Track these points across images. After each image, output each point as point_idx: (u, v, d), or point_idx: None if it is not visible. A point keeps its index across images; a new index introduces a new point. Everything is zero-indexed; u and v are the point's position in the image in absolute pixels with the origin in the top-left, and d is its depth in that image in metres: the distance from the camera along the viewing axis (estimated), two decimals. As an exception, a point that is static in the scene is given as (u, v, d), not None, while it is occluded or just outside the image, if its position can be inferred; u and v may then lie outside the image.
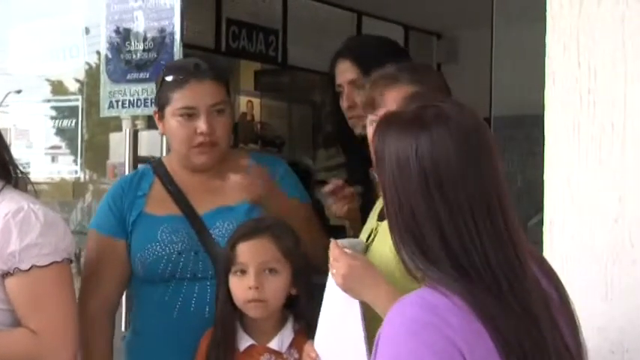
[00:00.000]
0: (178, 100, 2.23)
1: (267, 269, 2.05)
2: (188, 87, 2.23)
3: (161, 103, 2.28)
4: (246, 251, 2.06)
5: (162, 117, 2.29)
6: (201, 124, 2.20)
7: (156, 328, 2.22)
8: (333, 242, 1.77)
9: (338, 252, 1.73)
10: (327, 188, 2.28)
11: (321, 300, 1.84)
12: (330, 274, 1.77)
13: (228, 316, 2.06)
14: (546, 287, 1.35)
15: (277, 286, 2.06)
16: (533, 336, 1.24)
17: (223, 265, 2.08)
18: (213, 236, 2.21)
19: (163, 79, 2.28)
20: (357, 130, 2.42)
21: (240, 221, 2.19)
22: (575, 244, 1.80)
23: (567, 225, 1.81)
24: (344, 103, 2.48)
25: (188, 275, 2.20)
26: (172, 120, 2.24)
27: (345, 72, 2.48)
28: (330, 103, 2.63)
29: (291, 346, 2.05)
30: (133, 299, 2.34)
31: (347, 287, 1.71)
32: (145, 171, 2.37)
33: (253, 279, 2.03)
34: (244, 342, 2.06)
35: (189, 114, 2.22)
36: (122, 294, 2.31)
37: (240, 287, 2.05)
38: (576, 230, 1.80)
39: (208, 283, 2.18)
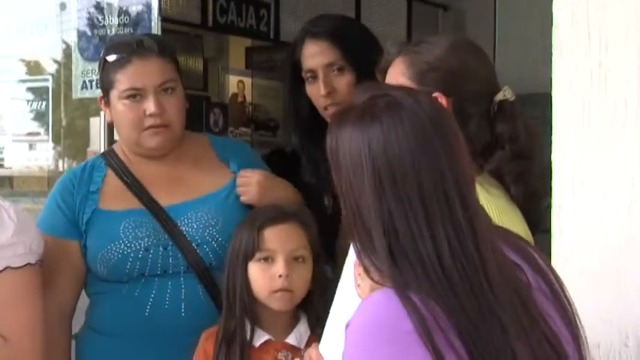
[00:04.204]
0: (122, 81, 2.19)
1: (295, 257, 2.05)
2: (131, 66, 2.19)
3: (105, 87, 2.25)
4: (275, 237, 2.04)
5: (108, 103, 2.25)
6: (150, 105, 2.17)
7: (125, 326, 2.19)
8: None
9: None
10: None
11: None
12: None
13: (250, 308, 2.03)
14: (531, 277, 1.34)
15: (305, 276, 2.06)
16: (491, 330, 1.24)
17: (243, 251, 2.04)
18: (181, 229, 2.19)
19: (105, 60, 2.24)
20: None
21: (218, 209, 2.19)
22: (585, 231, 1.80)
23: (577, 210, 1.80)
24: (321, 90, 2.35)
25: (158, 272, 2.17)
26: (119, 104, 2.21)
27: (321, 54, 2.36)
28: (292, 92, 2.46)
29: (308, 343, 2.02)
30: (90, 297, 2.30)
31: None
32: (96, 162, 2.32)
33: (284, 266, 2.02)
34: (259, 337, 2.03)
35: (136, 95, 2.19)
36: (78, 297, 2.29)
37: (266, 276, 2.03)
38: (587, 216, 1.80)
39: (182, 279, 2.17)
